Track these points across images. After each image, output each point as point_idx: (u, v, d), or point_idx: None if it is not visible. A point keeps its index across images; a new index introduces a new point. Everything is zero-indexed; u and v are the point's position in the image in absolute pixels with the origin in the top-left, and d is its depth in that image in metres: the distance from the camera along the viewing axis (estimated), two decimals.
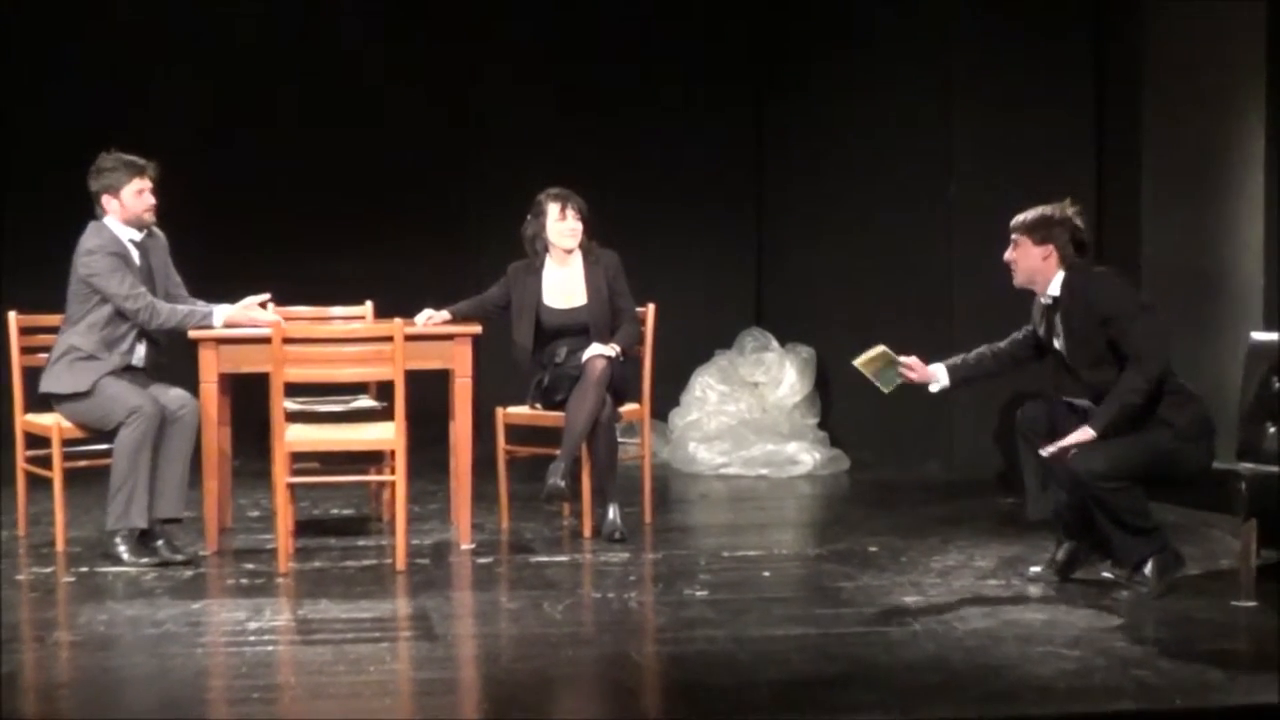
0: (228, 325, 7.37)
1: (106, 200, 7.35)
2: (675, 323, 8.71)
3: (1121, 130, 8.92)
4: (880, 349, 6.84)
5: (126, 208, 7.35)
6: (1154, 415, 6.56)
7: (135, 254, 7.38)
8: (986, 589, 6.80)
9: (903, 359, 6.85)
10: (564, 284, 7.95)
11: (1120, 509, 6.52)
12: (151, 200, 7.40)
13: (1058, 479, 6.66)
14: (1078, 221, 6.71)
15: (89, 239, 7.34)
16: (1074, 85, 9.19)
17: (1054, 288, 6.70)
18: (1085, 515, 6.65)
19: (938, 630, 6.18)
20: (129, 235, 7.37)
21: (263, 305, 7.61)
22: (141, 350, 7.39)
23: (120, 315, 7.30)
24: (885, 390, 6.89)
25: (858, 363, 6.86)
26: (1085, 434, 6.55)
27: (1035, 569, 6.95)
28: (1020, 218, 6.76)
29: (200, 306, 7.43)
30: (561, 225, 7.89)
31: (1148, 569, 6.61)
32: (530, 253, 7.95)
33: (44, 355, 7.47)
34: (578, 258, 7.95)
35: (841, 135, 10.06)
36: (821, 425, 10.07)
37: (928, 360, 6.90)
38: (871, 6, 9.86)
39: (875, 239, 9.81)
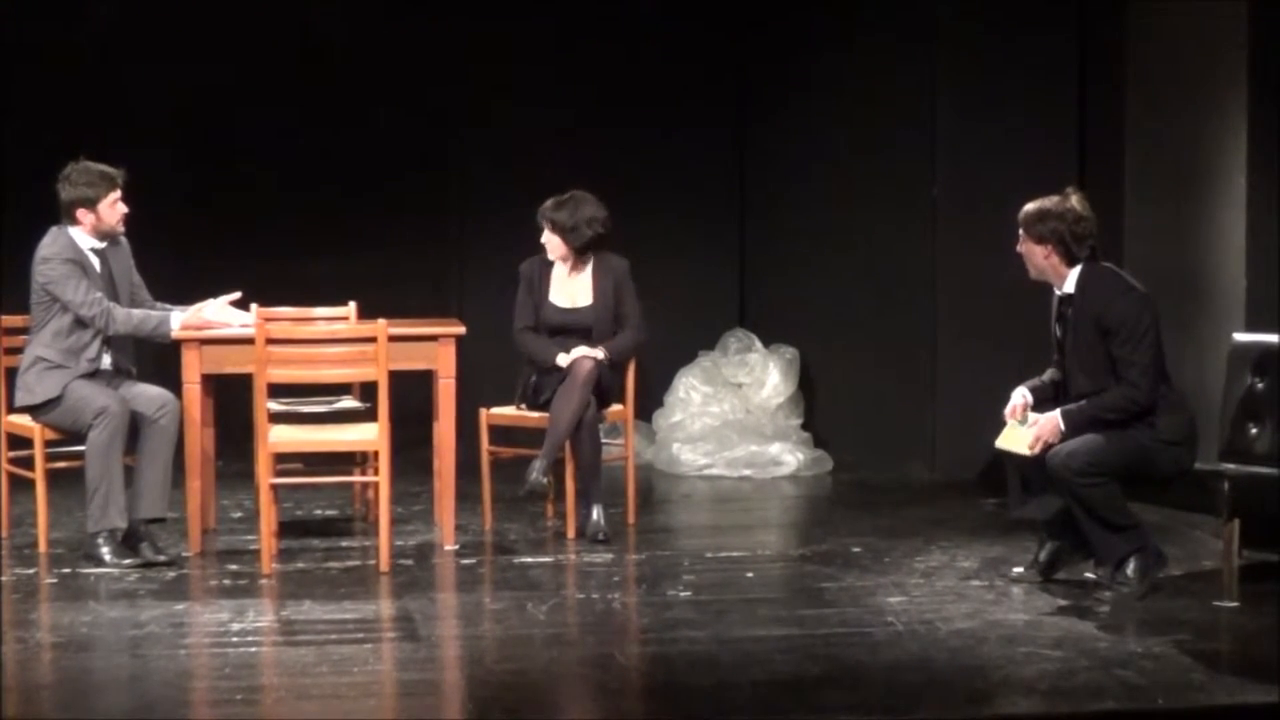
0: (184, 328, 7.34)
1: (81, 214, 7.26)
2: (659, 324, 8.70)
3: (1104, 131, 8.93)
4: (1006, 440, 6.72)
5: (102, 220, 7.29)
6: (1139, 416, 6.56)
7: (95, 261, 7.32)
8: (969, 589, 6.81)
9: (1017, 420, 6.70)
10: (572, 284, 7.99)
11: (1097, 504, 6.52)
12: (124, 209, 7.35)
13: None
14: (1081, 211, 6.61)
15: (45, 246, 7.28)
16: (1056, 85, 9.18)
17: (1069, 284, 6.66)
18: (1068, 515, 6.66)
19: (921, 631, 6.19)
20: (90, 244, 7.31)
21: (242, 305, 7.58)
22: (108, 356, 7.36)
23: (81, 322, 7.27)
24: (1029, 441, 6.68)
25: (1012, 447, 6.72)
26: (1053, 427, 6.54)
27: (1018, 569, 6.96)
28: (1022, 211, 6.68)
29: (158, 311, 7.41)
30: (547, 240, 7.94)
31: (1130, 569, 6.61)
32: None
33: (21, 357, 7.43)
34: (589, 260, 7.98)
35: (824, 136, 10.05)
36: (805, 426, 10.06)
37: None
38: (854, 6, 9.86)
39: (858, 239, 9.81)
